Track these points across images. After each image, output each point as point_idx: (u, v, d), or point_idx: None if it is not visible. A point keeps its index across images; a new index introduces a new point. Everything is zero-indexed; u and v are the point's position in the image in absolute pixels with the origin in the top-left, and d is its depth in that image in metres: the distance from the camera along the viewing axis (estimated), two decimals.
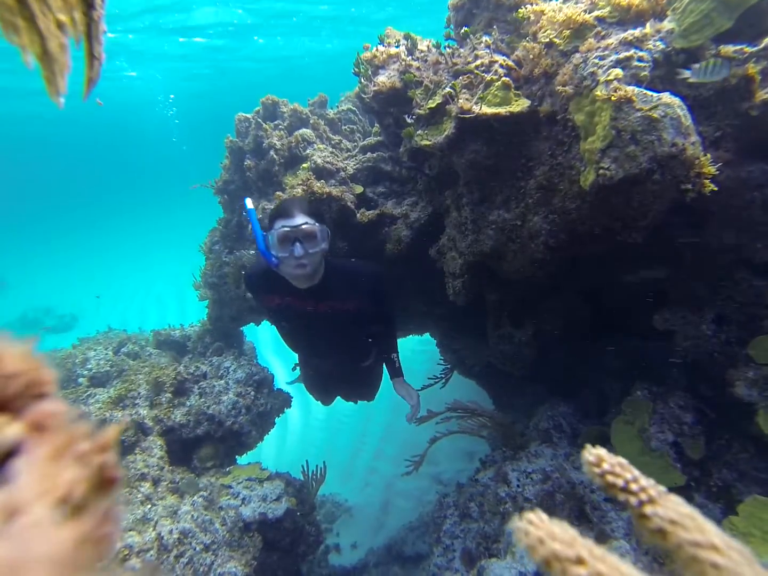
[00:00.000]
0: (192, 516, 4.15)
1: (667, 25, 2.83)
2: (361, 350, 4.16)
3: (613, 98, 2.69)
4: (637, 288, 3.91)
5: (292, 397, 6.55)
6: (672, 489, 2.93)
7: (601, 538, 3.44)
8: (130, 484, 4.27)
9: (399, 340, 4.14)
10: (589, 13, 3.08)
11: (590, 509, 3.68)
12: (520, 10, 3.55)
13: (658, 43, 2.83)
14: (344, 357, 4.18)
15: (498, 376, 5.74)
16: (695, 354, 3.61)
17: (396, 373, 4.12)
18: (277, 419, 6.26)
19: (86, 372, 5.75)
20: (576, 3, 3.56)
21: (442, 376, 6.40)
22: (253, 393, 5.78)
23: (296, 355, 4.68)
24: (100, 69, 0.76)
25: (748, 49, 2.71)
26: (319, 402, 5.28)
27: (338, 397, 5.19)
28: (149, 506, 4.17)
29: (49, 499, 0.35)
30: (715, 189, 2.61)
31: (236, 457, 5.74)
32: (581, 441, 4.34)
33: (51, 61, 0.65)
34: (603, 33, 3.03)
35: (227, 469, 5.21)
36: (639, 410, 3.94)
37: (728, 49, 2.74)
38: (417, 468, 5.18)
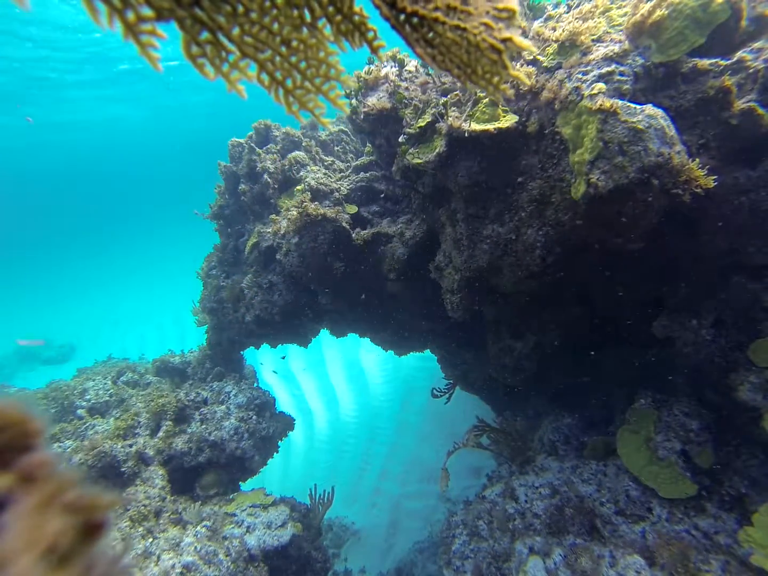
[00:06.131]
0: (195, 548, 4.06)
1: (644, 41, 2.90)
2: None
3: (597, 111, 2.75)
4: (634, 296, 3.91)
5: (294, 420, 6.48)
6: (683, 499, 2.86)
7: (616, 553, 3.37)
8: (130, 517, 4.19)
9: (400, 358, 4.04)
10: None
11: (601, 524, 3.61)
12: None
13: (637, 58, 2.90)
14: None
15: (500, 389, 5.69)
16: (696, 359, 3.59)
17: None
18: (280, 443, 6.18)
19: (85, 403, 5.70)
20: (546, 20, 3.67)
21: (446, 390, 6.35)
22: (255, 417, 5.72)
23: None
24: None
25: (723, 63, 2.79)
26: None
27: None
28: (150, 540, 4.08)
29: (36, 550, 0.35)
30: (712, 186, 2.64)
31: (240, 483, 5.65)
32: (587, 453, 4.28)
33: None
34: (584, 49, 3.11)
35: (231, 496, 5.12)
36: (644, 419, 3.90)
37: (704, 62, 2.82)
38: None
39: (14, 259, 51.82)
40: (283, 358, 11.17)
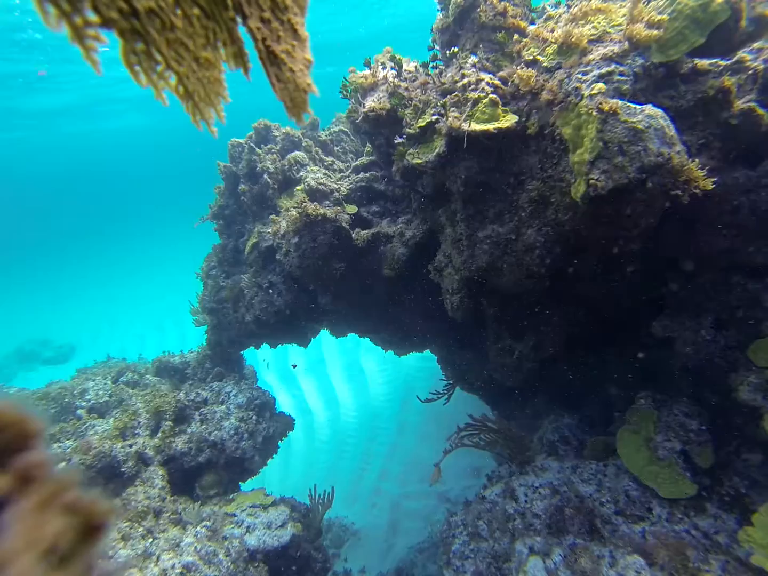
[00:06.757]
0: (195, 548, 4.06)
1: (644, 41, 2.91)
2: None
3: (597, 112, 2.75)
4: (634, 296, 3.91)
5: (294, 420, 6.48)
6: (683, 499, 2.86)
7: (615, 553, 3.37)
8: (130, 517, 4.18)
9: (400, 358, 4.03)
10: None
11: (601, 524, 3.61)
12: (501, 32, 3.66)
13: (637, 58, 2.90)
14: None
15: (500, 389, 5.69)
16: (696, 360, 3.60)
17: None
18: (280, 443, 6.18)
19: (85, 403, 5.70)
20: (546, 21, 3.67)
21: (444, 391, 6.35)
22: (255, 417, 5.72)
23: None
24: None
25: (723, 63, 2.79)
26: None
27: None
28: (150, 540, 4.08)
29: (35, 551, 0.35)
30: (711, 187, 2.65)
31: (240, 483, 5.64)
32: (587, 453, 4.28)
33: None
34: (582, 50, 3.11)
35: (231, 497, 5.12)
36: (644, 419, 3.90)
37: (704, 62, 2.82)
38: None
39: (14, 259, 51.81)
40: (294, 366, 11.11)
